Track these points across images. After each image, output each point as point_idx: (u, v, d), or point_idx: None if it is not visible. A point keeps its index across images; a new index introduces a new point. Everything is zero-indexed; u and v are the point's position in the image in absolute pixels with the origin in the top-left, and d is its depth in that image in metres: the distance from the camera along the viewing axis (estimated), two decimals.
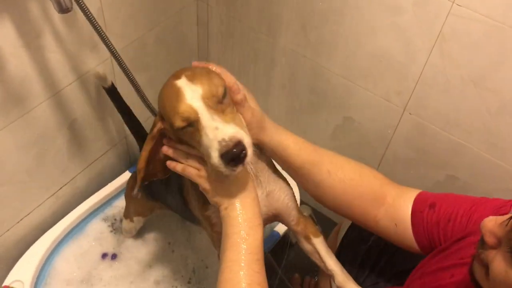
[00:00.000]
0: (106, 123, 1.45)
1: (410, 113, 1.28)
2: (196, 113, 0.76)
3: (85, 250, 1.45)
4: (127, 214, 1.42)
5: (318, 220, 1.65)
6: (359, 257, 1.19)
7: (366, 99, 1.35)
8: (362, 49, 1.27)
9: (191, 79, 0.77)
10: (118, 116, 1.35)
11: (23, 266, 1.30)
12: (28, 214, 1.35)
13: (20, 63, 1.07)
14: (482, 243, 0.66)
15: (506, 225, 0.60)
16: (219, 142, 0.74)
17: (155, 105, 1.26)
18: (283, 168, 1.01)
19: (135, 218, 1.40)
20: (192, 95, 0.76)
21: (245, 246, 0.81)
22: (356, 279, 1.17)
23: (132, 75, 1.21)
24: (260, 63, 1.53)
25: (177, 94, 0.77)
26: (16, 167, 1.23)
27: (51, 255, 1.39)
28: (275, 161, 1.00)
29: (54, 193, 1.40)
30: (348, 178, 1.00)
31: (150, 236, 1.52)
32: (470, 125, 1.20)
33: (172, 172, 0.94)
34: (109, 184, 1.51)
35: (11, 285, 1.24)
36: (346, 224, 1.23)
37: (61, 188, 1.42)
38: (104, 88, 1.27)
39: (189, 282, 1.43)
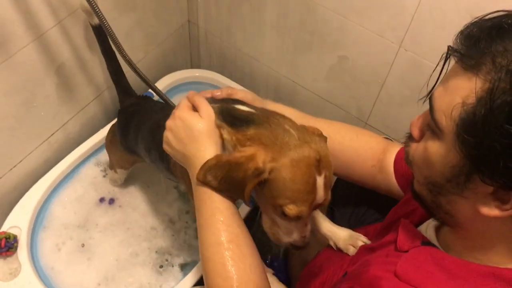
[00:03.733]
0: (96, 67, 1.41)
1: (405, 50, 1.25)
2: (307, 217, 0.84)
3: (80, 194, 1.46)
4: (111, 166, 1.42)
5: None
6: (353, 196, 1.20)
7: (361, 36, 1.31)
8: None
9: (326, 183, 0.80)
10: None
11: (20, 212, 1.31)
12: (20, 161, 1.34)
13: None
14: (407, 139, 0.72)
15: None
16: (299, 239, 0.86)
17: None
18: None
19: (118, 170, 1.40)
20: (318, 201, 0.81)
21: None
22: (352, 216, 1.19)
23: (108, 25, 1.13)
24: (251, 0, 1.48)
25: (311, 192, 0.79)
26: (4, 113, 1.20)
27: (47, 200, 1.40)
28: None
29: (46, 139, 1.39)
30: (347, 139, 1.06)
31: (147, 183, 1.52)
32: None
33: (146, 133, 1.04)
34: (102, 130, 1.50)
35: (8, 231, 1.25)
36: None
37: (53, 134, 1.40)
38: (91, 25, 1.19)
39: (186, 227, 1.44)
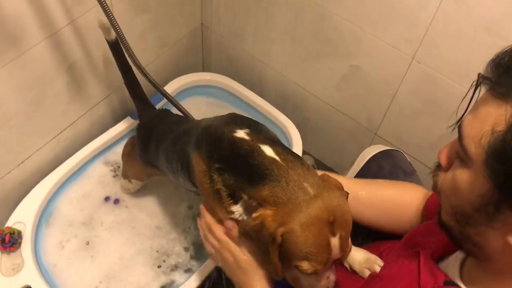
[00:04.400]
0: (106, 67, 1.42)
1: (418, 62, 1.24)
2: (326, 271, 0.83)
3: (87, 192, 1.46)
4: (125, 175, 1.42)
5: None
6: None
7: (374, 47, 1.30)
8: None
9: (342, 243, 0.79)
10: None
11: (25, 208, 1.31)
12: (29, 157, 1.35)
13: (14, 0, 1.03)
14: (435, 168, 0.71)
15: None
16: None
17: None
18: None
19: (133, 181, 1.40)
20: (332, 260, 0.81)
21: None
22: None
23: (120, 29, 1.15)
24: (263, 4, 1.47)
25: (324, 252, 0.79)
26: (14, 110, 1.21)
27: (54, 196, 1.40)
28: None
29: (55, 137, 1.40)
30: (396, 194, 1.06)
31: (155, 184, 1.51)
32: None
33: (167, 144, 1.03)
34: (111, 129, 1.50)
35: (13, 226, 1.26)
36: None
37: (61, 131, 1.41)
38: (107, 40, 1.20)
39: (189, 227, 1.44)
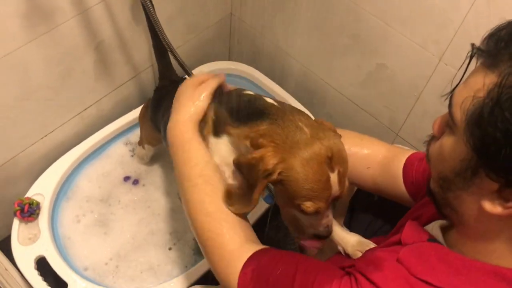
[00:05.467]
0: (134, 48, 1.44)
1: (445, 64, 1.22)
2: (326, 210, 0.83)
3: (107, 171, 1.49)
4: (140, 141, 1.44)
5: None
6: (372, 207, 1.19)
7: (402, 46, 1.29)
8: None
9: (340, 179, 0.80)
10: (147, 43, 1.32)
11: (45, 180, 1.34)
12: (52, 131, 1.38)
13: None
14: (429, 139, 0.73)
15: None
16: (322, 229, 0.86)
17: (172, 42, 1.22)
18: None
19: (146, 146, 1.42)
20: (332, 197, 0.81)
21: None
22: (369, 227, 1.17)
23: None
24: None
25: (325, 189, 0.79)
26: (42, 82, 1.24)
27: (74, 172, 1.43)
28: None
29: (79, 113, 1.42)
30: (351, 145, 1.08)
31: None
32: None
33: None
34: (135, 110, 1.52)
35: (32, 197, 1.29)
36: None
37: (86, 109, 1.44)
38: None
39: None
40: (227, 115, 0.91)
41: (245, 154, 0.83)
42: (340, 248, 0.99)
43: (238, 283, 0.77)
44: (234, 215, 0.86)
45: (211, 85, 0.97)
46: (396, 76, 1.38)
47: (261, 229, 1.44)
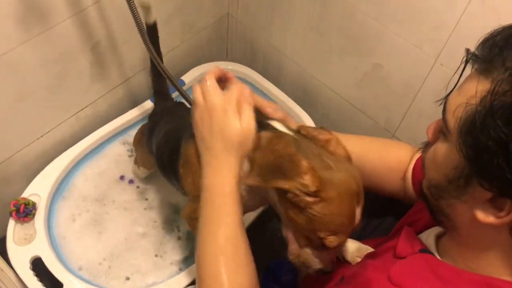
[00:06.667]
0: (131, 49, 1.44)
1: (441, 64, 1.22)
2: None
3: (103, 170, 1.49)
4: (136, 161, 1.44)
5: None
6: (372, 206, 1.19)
7: (398, 46, 1.29)
8: None
9: (361, 212, 0.78)
10: (142, 45, 1.31)
11: (41, 181, 1.34)
12: (48, 132, 1.38)
13: None
14: (425, 145, 0.73)
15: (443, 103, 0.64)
16: (329, 264, 0.84)
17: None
18: None
19: (140, 168, 1.42)
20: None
21: None
22: (366, 226, 1.17)
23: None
24: None
25: (351, 224, 0.77)
26: (38, 83, 1.24)
27: (71, 172, 1.43)
28: None
29: (75, 114, 1.43)
30: (377, 157, 1.04)
31: None
32: None
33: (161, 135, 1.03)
34: (131, 110, 1.52)
35: (29, 198, 1.29)
36: None
37: (82, 109, 1.44)
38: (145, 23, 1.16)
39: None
40: None
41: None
42: (339, 255, 0.99)
43: None
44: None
45: (245, 92, 0.86)
46: (392, 76, 1.38)
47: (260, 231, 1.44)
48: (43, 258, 1.21)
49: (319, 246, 0.78)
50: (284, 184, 0.74)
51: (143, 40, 1.12)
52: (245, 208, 0.87)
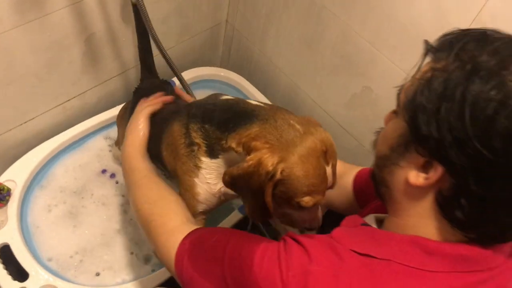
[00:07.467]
0: (124, 45, 1.44)
1: None
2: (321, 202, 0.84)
3: (84, 163, 1.48)
4: (117, 141, 1.43)
5: None
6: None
7: (388, 71, 1.30)
8: (395, 17, 1.20)
9: (333, 171, 0.83)
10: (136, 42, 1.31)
11: (19, 167, 1.33)
12: (32, 119, 1.37)
13: None
14: (379, 130, 0.79)
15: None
16: (314, 221, 0.88)
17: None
18: None
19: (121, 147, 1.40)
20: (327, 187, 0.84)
21: None
22: None
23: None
24: (290, 12, 1.48)
25: (323, 182, 0.81)
26: (27, 69, 1.23)
27: (51, 162, 1.42)
28: None
29: (62, 103, 1.42)
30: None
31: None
32: None
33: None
34: (118, 106, 1.50)
35: (4, 183, 1.27)
36: None
37: (69, 100, 1.43)
38: (132, 2, 1.17)
39: None
40: (214, 129, 0.89)
41: (238, 165, 0.81)
42: None
43: (176, 253, 0.80)
44: (177, 201, 0.93)
45: (146, 112, 1.08)
46: (380, 100, 1.39)
47: None
48: (11, 245, 1.19)
49: (299, 208, 0.82)
50: (258, 185, 0.79)
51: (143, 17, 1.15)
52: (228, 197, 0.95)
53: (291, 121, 0.82)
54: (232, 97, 0.96)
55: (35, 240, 1.29)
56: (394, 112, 0.72)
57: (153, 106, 1.10)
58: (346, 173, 1.12)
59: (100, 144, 1.51)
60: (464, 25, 1.05)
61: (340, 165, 1.11)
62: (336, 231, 0.73)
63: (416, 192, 0.68)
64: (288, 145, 0.79)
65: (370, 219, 0.82)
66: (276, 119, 0.82)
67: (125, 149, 1.05)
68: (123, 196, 1.45)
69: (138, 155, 1.03)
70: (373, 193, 0.81)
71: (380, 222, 0.81)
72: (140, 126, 1.06)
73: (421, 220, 0.69)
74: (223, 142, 0.87)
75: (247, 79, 1.69)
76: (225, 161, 0.90)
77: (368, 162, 1.51)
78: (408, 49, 1.22)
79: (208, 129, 0.90)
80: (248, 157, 0.80)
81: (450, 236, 0.67)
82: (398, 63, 1.27)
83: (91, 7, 1.24)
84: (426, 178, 0.65)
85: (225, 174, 0.83)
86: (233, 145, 0.85)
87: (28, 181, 1.33)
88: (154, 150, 1.05)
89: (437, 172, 0.63)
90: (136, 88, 1.33)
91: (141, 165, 1.01)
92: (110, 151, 1.51)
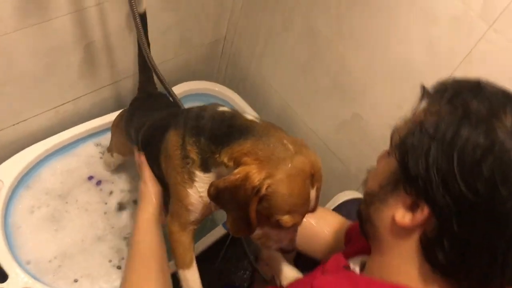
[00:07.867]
0: (123, 54, 1.45)
1: None
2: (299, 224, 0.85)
3: (72, 168, 1.48)
4: (110, 148, 1.44)
5: None
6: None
7: (379, 101, 1.33)
8: (389, 51, 1.24)
9: (317, 195, 0.84)
10: (134, 52, 1.33)
11: (8, 167, 1.33)
12: (25, 120, 1.37)
13: None
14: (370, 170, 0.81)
15: None
16: (289, 243, 0.88)
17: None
18: None
19: (115, 154, 1.42)
20: (309, 210, 0.84)
21: None
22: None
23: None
24: (288, 34, 1.51)
25: (305, 204, 0.82)
26: (25, 70, 1.24)
27: (40, 163, 1.42)
28: None
29: (56, 107, 1.43)
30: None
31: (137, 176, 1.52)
32: None
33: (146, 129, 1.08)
34: (111, 114, 1.52)
35: None
36: None
37: (63, 104, 1.44)
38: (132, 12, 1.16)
39: None
40: (209, 143, 0.89)
41: (225, 178, 0.82)
42: (277, 280, 1.01)
43: None
44: None
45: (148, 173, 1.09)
46: (369, 128, 1.42)
47: (212, 256, 1.44)
48: None
49: (278, 226, 0.83)
50: (243, 199, 0.80)
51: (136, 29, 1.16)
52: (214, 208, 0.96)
53: (284, 141, 0.83)
54: (228, 109, 0.97)
55: (15, 241, 1.29)
56: (388, 152, 0.74)
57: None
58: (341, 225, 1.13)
59: (91, 151, 1.52)
60: (455, 62, 1.10)
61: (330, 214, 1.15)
62: (318, 280, 0.73)
63: (401, 231, 0.68)
64: (278, 162, 0.80)
65: (355, 261, 0.83)
66: (270, 136, 0.84)
67: (138, 218, 1.05)
68: (106, 203, 1.46)
69: (151, 224, 1.04)
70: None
71: (363, 265, 0.82)
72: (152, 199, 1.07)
73: (404, 262, 0.69)
74: (217, 156, 0.87)
75: (241, 96, 1.72)
76: (216, 175, 0.91)
77: (354, 187, 1.55)
78: (398, 82, 1.25)
79: (203, 142, 0.91)
80: (236, 171, 0.81)
81: (431, 282, 0.67)
82: (389, 94, 1.30)
83: (91, 16, 1.26)
84: (412, 219, 0.65)
85: (211, 185, 0.84)
86: (225, 159, 0.85)
87: (15, 182, 1.34)
88: (154, 152, 1.05)
89: (423, 213, 0.64)
90: (133, 98, 1.35)
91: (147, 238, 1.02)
92: (101, 158, 1.52)
